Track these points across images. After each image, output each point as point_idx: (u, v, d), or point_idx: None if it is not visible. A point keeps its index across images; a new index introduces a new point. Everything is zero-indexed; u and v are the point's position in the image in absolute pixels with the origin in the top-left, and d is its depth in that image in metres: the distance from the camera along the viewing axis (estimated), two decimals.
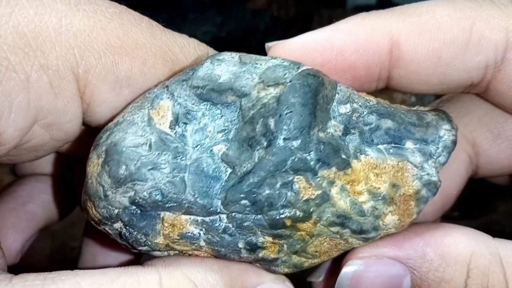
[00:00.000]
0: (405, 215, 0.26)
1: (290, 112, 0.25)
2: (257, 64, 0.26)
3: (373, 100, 0.27)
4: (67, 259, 0.35)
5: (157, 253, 0.27)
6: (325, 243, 0.27)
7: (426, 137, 0.27)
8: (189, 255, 0.27)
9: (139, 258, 0.32)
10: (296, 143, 0.25)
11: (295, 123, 0.25)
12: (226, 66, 0.26)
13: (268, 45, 0.28)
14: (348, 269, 0.27)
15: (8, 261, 0.31)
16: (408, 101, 0.73)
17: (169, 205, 0.25)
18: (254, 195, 0.25)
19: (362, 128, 0.26)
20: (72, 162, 0.35)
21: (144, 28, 0.27)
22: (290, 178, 0.25)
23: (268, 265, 0.27)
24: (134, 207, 0.25)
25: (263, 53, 0.28)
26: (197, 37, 0.30)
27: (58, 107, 0.25)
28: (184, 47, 0.28)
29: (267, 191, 0.25)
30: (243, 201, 0.25)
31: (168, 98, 0.26)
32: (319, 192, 0.25)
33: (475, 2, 0.27)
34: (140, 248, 0.26)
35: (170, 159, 0.24)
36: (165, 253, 0.27)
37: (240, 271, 0.26)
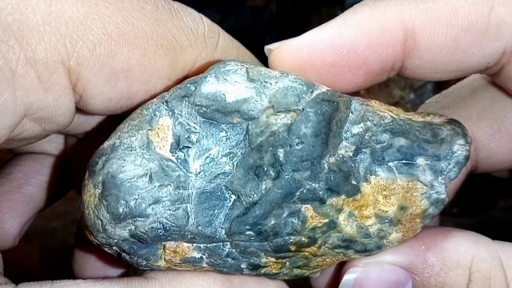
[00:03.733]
0: (409, 231, 0.26)
1: (302, 143, 0.23)
2: (266, 82, 0.24)
3: (388, 116, 0.26)
4: (67, 257, 0.35)
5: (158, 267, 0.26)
6: (327, 259, 0.27)
7: (439, 153, 0.26)
8: None
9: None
10: (305, 174, 0.24)
11: (306, 155, 0.23)
12: (232, 84, 0.24)
13: (268, 48, 0.26)
14: (349, 277, 0.26)
15: (6, 246, 0.31)
16: (407, 98, 0.73)
17: (172, 237, 0.24)
18: (260, 226, 0.24)
19: (374, 146, 0.25)
20: (67, 139, 0.34)
21: (147, 13, 0.24)
22: (297, 208, 0.24)
23: (268, 277, 0.27)
24: (134, 239, 0.24)
25: (262, 50, 0.27)
26: None
27: (48, 102, 0.23)
28: (191, 34, 0.26)
29: (273, 222, 0.24)
30: (248, 232, 0.24)
31: (168, 115, 0.24)
32: (326, 220, 0.25)
33: None
34: (140, 268, 0.26)
35: (171, 191, 0.23)
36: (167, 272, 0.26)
37: (241, 282, 0.26)
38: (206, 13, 0.27)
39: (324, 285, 0.30)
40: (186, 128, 0.24)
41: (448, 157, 0.26)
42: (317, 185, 0.24)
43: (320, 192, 0.24)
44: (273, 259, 0.25)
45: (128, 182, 0.23)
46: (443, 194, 0.26)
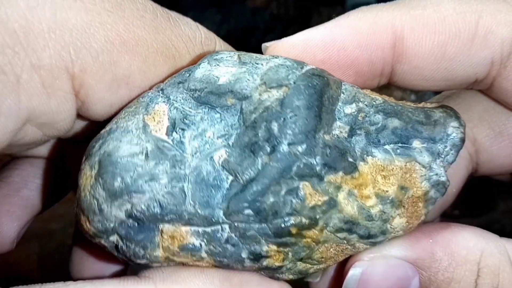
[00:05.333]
0: (413, 217, 0.26)
1: (295, 115, 0.24)
2: (257, 64, 0.25)
3: (379, 98, 0.26)
4: (66, 259, 0.35)
5: (156, 264, 0.26)
6: (331, 249, 0.26)
7: (434, 135, 0.26)
8: (190, 265, 0.26)
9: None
10: (301, 148, 0.24)
11: (300, 127, 0.24)
12: (225, 67, 0.25)
13: (265, 45, 0.27)
14: (355, 271, 0.26)
15: (4, 249, 0.31)
16: (408, 99, 0.73)
17: (169, 217, 0.23)
18: (258, 203, 0.23)
19: (368, 128, 0.25)
20: (66, 143, 0.34)
21: (147, 21, 0.25)
22: (295, 185, 0.24)
23: (272, 273, 0.26)
24: (131, 221, 0.24)
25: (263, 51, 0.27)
26: None
27: (51, 107, 0.24)
28: (189, 42, 0.26)
29: (272, 199, 0.23)
30: (247, 211, 0.23)
31: (164, 102, 0.24)
32: (325, 198, 0.24)
33: None
34: (138, 261, 0.25)
35: (168, 169, 0.23)
36: (165, 264, 0.26)
37: (241, 281, 0.25)
38: (206, 13, 0.28)
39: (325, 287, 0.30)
40: (181, 111, 0.24)
41: (443, 140, 0.26)
42: (313, 159, 0.24)
43: (317, 168, 0.24)
44: (275, 247, 0.25)
45: (124, 159, 0.23)
46: (443, 176, 0.26)
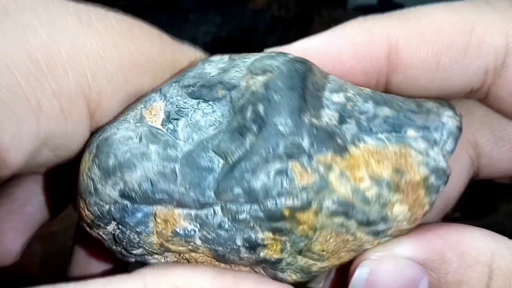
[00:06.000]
0: (415, 205, 0.25)
1: (279, 96, 0.24)
2: (245, 58, 0.26)
3: (367, 89, 0.26)
4: (66, 261, 0.35)
5: (153, 260, 0.26)
6: (331, 240, 0.25)
7: (428, 124, 0.25)
8: (187, 260, 0.26)
9: (127, 267, 0.32)
10: (287, 127, 0.24)
11: (284, 107, 0.24)
12: (216, 64, 0.26)
13: (266, 51, 0.28)
14: (362, 270, 0.25)
15: (8, 262, 0.33)
16: None
17: (160, 196, 0.24)
18: (248, 182, 0.23)
19: (358, 117, 0.25)
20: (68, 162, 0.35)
21: (155, 42, 0.27)
22: (284, 164, 0.24)
23: (273, 269, 0.26)
24: (124, 201, 0.24)
25: None
26: (198, 37, 0.30)
27: (67, 130, 0.25)
28: (192, 60, 0.28)
29: (261, 178, 0.23)
30: (236, 189, 0.24)
31: (161, 99, 0.26)
32: (316, 177, 0.24)
33: (475, 6, 0.27)
34: (134, 251, 0.25)
35: (160, 150, 0.24)
36: (162, 259, 0.26)
37: (235, 278, 0.25)
38: (207, 15, 0.29)
39: None
40: (176, 105, 0.25)
41: (439, 128, 0.25)
42: (300, 139, 0.24)
43: (305, 147, 0.24)
44: (270, 234, 0.24)
45: (119, 140, 0.24)
46: (442, 162, 0.25)
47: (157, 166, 0.24)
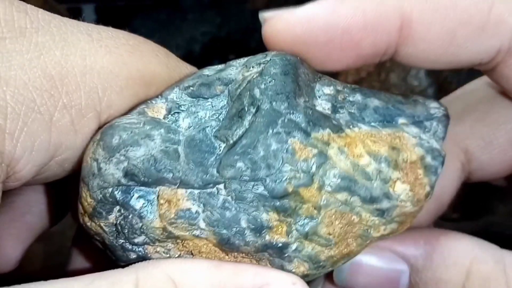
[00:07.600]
0: (416, 185, 0.25)
1: (273, 80, 0.25)
2: (240, 59, 0.27)
3: (353, 85, 0.27)
4: (65, 260, 0.35)
5: (155, 254, 0.25)
6: (336, 222, 0.25)
7: (417, 114, 0.26)
8: (191, 253, 0.25)
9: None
10: (283, 106, 0.25)
11: (279, 89, 0.25)
12: (214, 68, 0.27)
13: (263, 16, 0.26)
14: None
15: (8, 269, 0.34)
16: None
17: (163, 175, 0.24)
18: (249, 156, 0.24)
19: (350, 107, 0.26)
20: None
21: (161, 59, 0.28)
22: (284, 140, 0.24)
23: (280, 257, 0.25)
24: (128, 181, 0.24)
25: (262, 52, 0.27)
26: (196, 37, 0.30)
27: (76, 143, 0.26)
28: None
29: (262, 153, 0.24)
30: (239, 164, 0.24)
31: (162, 102, 0.27)
32: (315, 151, 0.24)
33: None
34: (136, 239, 0.25)
35: (163, 133, 0.25)
36: (163, 251, 0.25)
37: (234, 269, 0.24)
38: (206, 15, 0.29)
39: None
40: (176, 103, 0.26)
41: (428, 118, 0.26)
42: (296, 116, 0.25)
43: (302, 124, 0.25)
44: (275, 215, 0.24)
45: (123, 124, 0.25)
46: (436, 144, 0.26)
47: (160, 146, 0.25)
